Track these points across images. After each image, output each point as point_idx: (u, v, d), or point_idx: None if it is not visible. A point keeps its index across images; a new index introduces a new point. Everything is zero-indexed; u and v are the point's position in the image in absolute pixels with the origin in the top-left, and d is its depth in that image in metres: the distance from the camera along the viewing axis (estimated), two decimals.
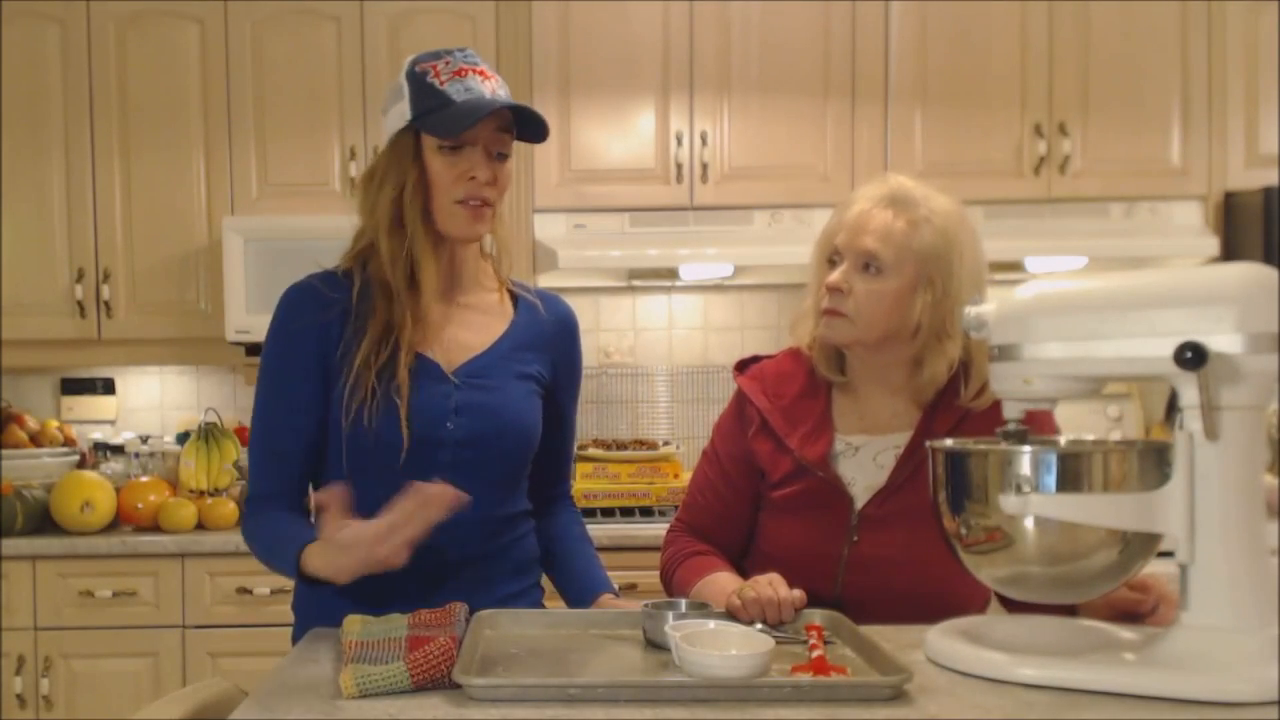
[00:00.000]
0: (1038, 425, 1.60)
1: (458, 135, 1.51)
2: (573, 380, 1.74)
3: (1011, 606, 1.53)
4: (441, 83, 1.52)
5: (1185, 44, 3.13)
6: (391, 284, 1.55)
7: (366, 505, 1.43)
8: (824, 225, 1.66)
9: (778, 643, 1.30)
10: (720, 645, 1.24)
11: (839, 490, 1.60)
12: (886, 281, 1.56)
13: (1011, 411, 1.29)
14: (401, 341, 1.53)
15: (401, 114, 1.55)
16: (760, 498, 1.68)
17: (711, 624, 1.31)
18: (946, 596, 1.50)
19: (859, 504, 1.59)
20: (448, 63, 1.54)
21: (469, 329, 1.62)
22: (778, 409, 1.66)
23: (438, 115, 1.52)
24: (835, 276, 1.58)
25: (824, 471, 1.60)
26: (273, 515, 1.57)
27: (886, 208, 1.58)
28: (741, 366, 1.76)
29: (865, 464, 1.61)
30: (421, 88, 1.53)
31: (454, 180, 1.53)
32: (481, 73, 1.55)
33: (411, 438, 1.51)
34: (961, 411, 1.60)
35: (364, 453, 1.53)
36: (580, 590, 1.68)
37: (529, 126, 1.57)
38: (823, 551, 1.58)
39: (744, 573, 1.61)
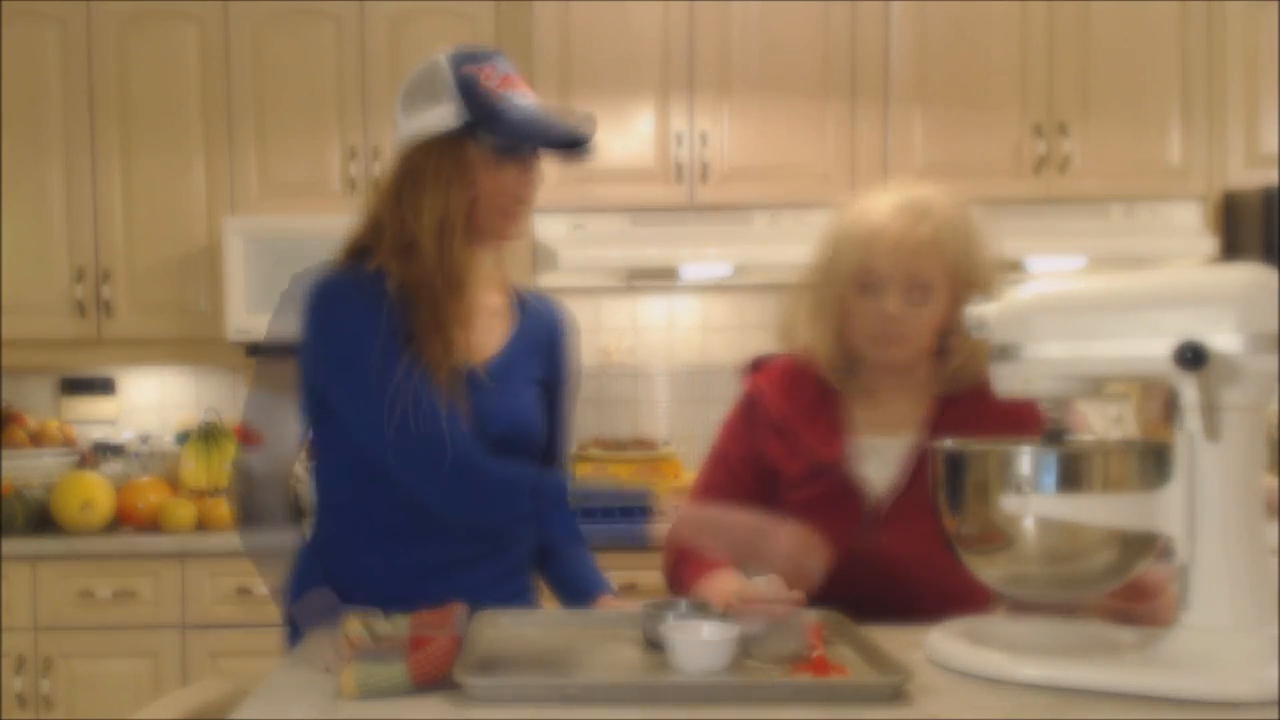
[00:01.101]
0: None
1: (524, 154, 1.54)
2: (569, 382, 1.74)
3: (1017, 605, 1.53)
4: (494, 92, 1.53)
5: (1185, 44, 3.13)
6: (436, 286, 1.53)
7: (391, 510, 1.47)
8: (839, 243, 1.59)
9: None
10: None
11: (856, 489, 1.59)
12: (939, 295, 1.56)
13: (1054, 409, 1.27)
14: (450, 344, 1.52)
15: (448, 116, 1.52)
16: (769, 499, 1.67)
17: (706, 625, 1.30)
18: (964, 592, 1.48)
19: (876, 502, 1.59)
20: (495, 68, 1.54)
21: (481, 330, 1.62)
22: (790, 410, 1.65)
23: (498, 127, 1.52)
24: (897, 307, 1.55)
25: (841, 471, 1.60)
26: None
27: (918, 223, 1.55)
28: (751, 366, 1.75)
29: (878, 463, 1.61)
30: (474, 94, 1.52)
31: (499, 189, 1.55)
32: (523, 84, 1.57)
33: (455, 440, 1.50)
34: (973, 405, 1.59)
35: (406, 453, 1.49)
36: (578, 592, 1.68)
37: (574, 142, 1.58)
38: (840, 551, 1.58)
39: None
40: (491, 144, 1.53)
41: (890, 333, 1.57)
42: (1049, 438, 1.27)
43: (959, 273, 1.57)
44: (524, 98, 1.55)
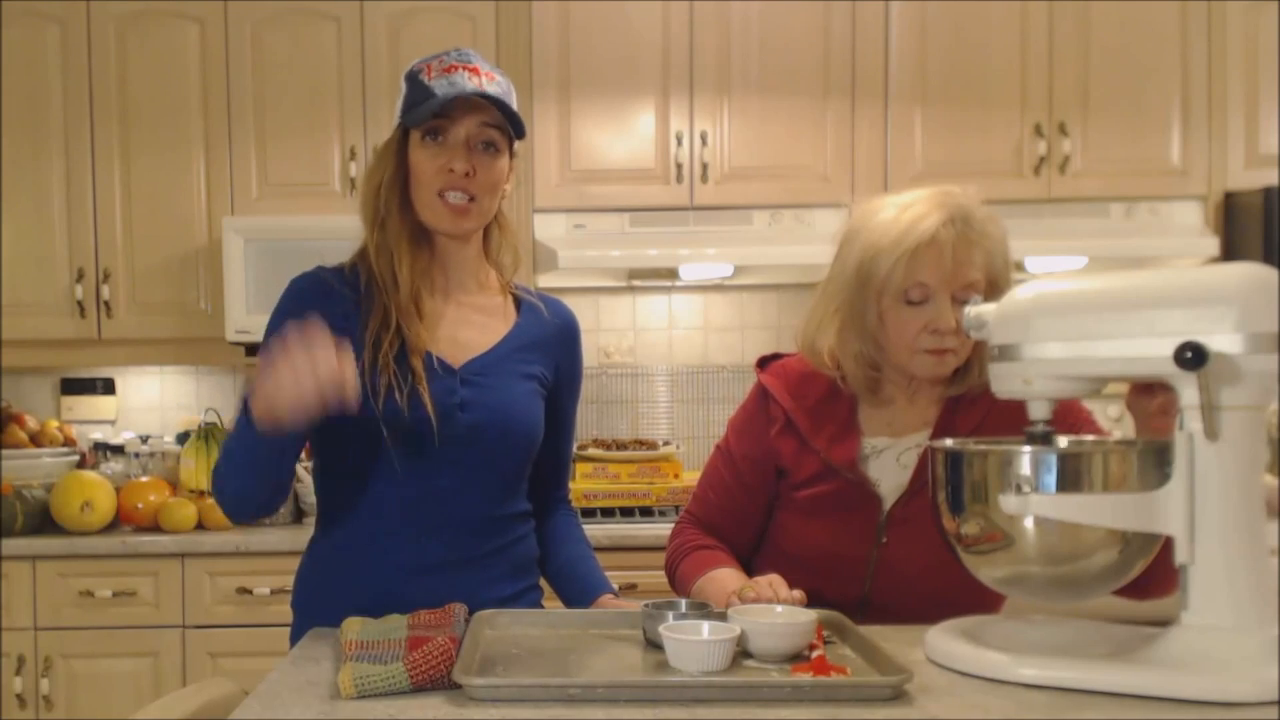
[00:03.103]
0: (1072, 417, 1.59)
1: (424, 122, 1.54)
2: (574, 383, 1.74)
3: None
4: (430, 78, 1.55)
5: (1185, 44, 3.13)
6: (379, 276, 1.56)
7: (391, 509, 1.49)
8: (876, 252, 1.54)
9: None
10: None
11: (868, 492, 1.58)
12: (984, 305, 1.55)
13: (1039, 412, 1.27)
14: (404, 332, 1.53)
15: (397, 112, 1.59)
16: (777, 497, 1.66)
17: (706, 625, 1.31)
18: (973, 595, 1.48)
19: (887, 505, 1.58)
20: (441, 61, 1.57)
21: (471, 328, 1.62)
22: (802, 409, 1.64)
23: (418, 107, 1.54)
24: (950, 319, 1.52)
25: (853, 474, 1.59)
26: None
27: (964, 231, 1.52)
28: (762, 363, 1.73)
29: (889, 465, 1.60)
30: (413, 85, 1.57)
31: (435, 172, 1.55)
32: (473, 70, 1.56)
33: (419, 428, 1.51)
34: (986, 407, 1.58)
35: (389, 436, 1.52)
36: (580, 591, 1.68)
37: (515, 123, 1.58)
38: (851, 554, 1.58)
39: (755, 571, 1.61)
40: (413, 123, 1.55)
41: (946, 345, 1.54)
42: (1033, 437, 1.27)
43: (994, 275, 1.56)
44: (462, 79, 1.54)
